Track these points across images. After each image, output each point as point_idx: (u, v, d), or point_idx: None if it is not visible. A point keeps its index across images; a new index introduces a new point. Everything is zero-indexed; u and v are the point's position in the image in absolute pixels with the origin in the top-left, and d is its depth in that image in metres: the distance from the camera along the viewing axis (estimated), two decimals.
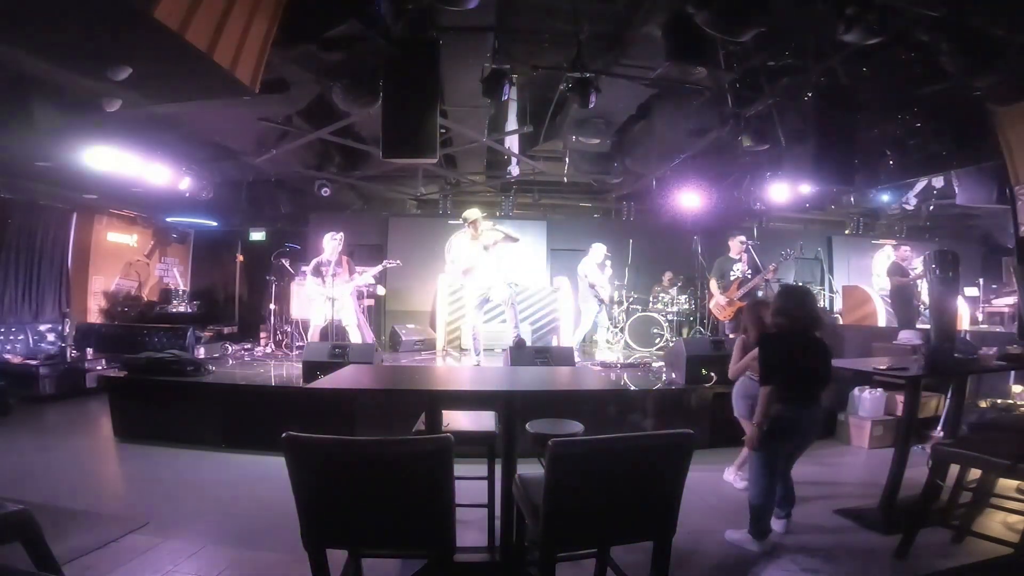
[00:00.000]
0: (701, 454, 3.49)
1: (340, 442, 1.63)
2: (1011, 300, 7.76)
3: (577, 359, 5.40)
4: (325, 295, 6.24)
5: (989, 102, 4.87)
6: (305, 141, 6.75)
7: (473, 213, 5.90)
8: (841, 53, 4.24)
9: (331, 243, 6.43)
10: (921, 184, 7.96)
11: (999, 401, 4.82)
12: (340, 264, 6.40)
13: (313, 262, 6.48)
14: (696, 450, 1.78)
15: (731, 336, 5.97)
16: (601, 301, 7.37)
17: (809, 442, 3.12)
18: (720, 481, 3.88)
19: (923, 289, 7.14)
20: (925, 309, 7.07)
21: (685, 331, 8.41)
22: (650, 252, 9.10)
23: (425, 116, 4.17)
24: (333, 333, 6.28)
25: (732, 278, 6.73)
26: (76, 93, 4.31)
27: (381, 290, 8.12)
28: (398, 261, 6.80)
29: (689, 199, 8.45)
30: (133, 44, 3.33)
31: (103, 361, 6.92)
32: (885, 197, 8.48)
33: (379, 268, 6.68)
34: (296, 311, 7.61)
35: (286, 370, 5.89)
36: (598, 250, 7.40)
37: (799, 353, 2.91)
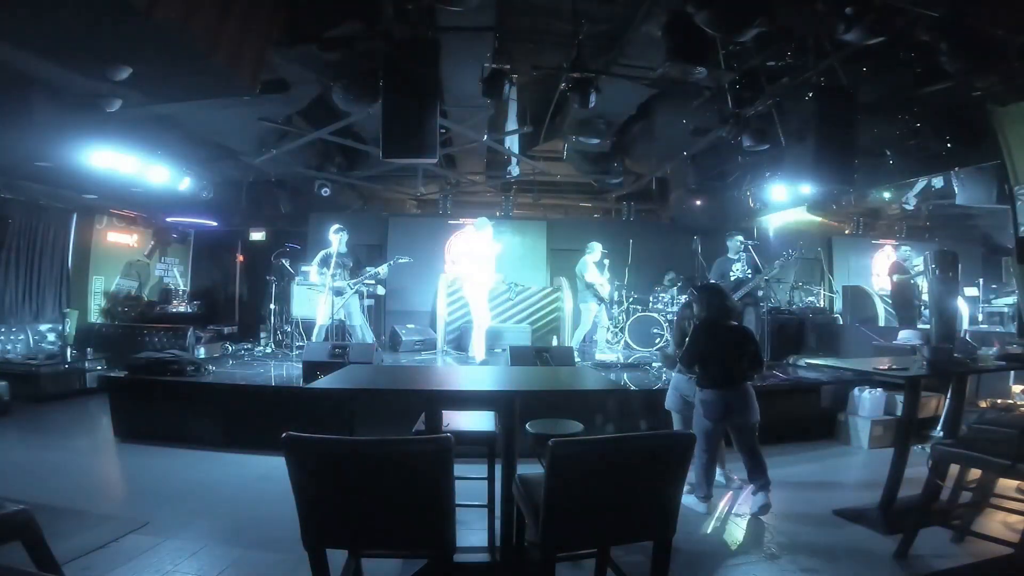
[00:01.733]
0: None
1: (340, 442, 1.63)
2: (1011, 300, 7.75)
3: (577, 359, 5.41)
4: (328, 286, 6.23)
5: (989, 102, 4.87)
6: (305, 141, 6.74)
7: (483, 222, 6.21)
8: (841, 53, 4.24)
9: (335, 236, 6.46)
10: (921, 184, 7.96)
11: (999, 401, 4.83)
12: (349, 257, 6.43)
13: (322, 253, 6.49)
14: None
15: None
16: (601, 300, 7.36)
17: (746, 419, 3.34)
18: (720, 481, 3.88)
19: (924, 288, 7.14)
20: (925, 309, 7.06)
21: None
22: (650, 252, 9.09)
23: (425, 116, 4.16)
24: (334, 333, 6.27)
25: (732, 278, 6.71)
26: (76, 93, 4.31)
27: (381, 290, 8.11)
28: (409, 258, 6.77)
29: (689, 199, 8.43)
30: (133, 43, 3.34)
31: (103, 361, 6.92)
32: (886, 194, 8.47)
33: (387, 265, 6.67)
34: (296, 311, 7.61)
35: (286, 370, 5.89)
36: (596, 249, 7.39)
37: (721, 343, 3.34)
